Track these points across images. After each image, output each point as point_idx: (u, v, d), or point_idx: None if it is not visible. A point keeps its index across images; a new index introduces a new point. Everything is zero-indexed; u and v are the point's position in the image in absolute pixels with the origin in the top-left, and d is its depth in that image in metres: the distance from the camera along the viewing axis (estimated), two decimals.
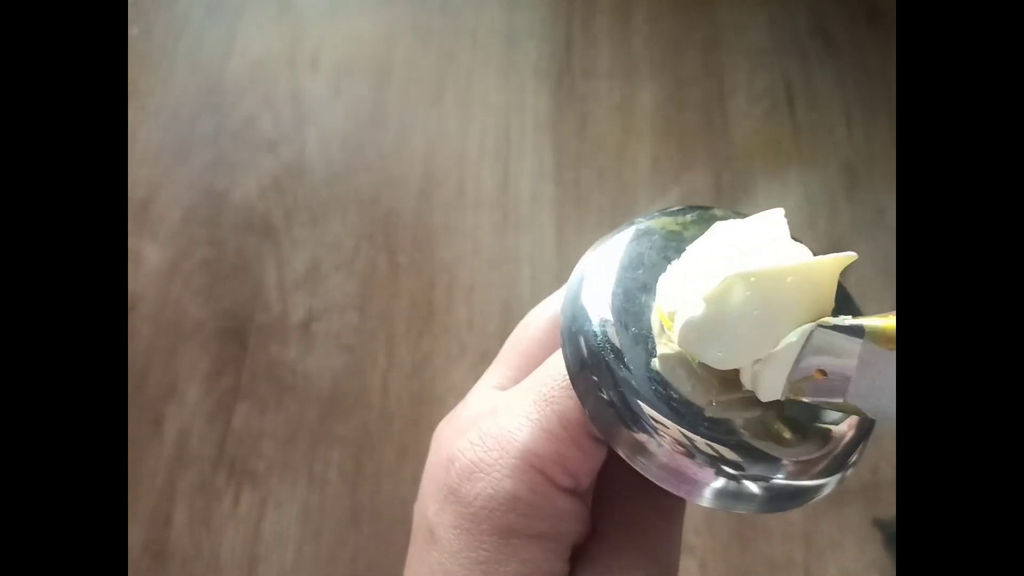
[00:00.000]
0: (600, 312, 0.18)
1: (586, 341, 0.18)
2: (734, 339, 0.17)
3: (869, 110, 0.85)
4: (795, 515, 0.65)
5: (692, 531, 0.65)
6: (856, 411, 0.17)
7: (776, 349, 0.17)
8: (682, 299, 0.18)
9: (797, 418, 0.17)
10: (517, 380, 0.22)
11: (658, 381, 0.17)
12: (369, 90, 0.85)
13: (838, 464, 0.17)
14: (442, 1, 0.91)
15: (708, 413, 0.17)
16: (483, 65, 0.87)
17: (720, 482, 0.16)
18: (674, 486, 0.17)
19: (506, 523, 0.18)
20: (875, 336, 0.16)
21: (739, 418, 0.17)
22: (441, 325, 0.73)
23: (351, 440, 0.68)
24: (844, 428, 0.17)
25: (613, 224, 0.22)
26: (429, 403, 0.68)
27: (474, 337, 0.72)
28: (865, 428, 0.18)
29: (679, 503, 0.21)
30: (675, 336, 0.17)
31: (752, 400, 0.17)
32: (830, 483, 0.17)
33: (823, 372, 0.16)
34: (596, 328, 0.18)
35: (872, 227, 0.78)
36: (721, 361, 0.17)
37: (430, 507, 0.20)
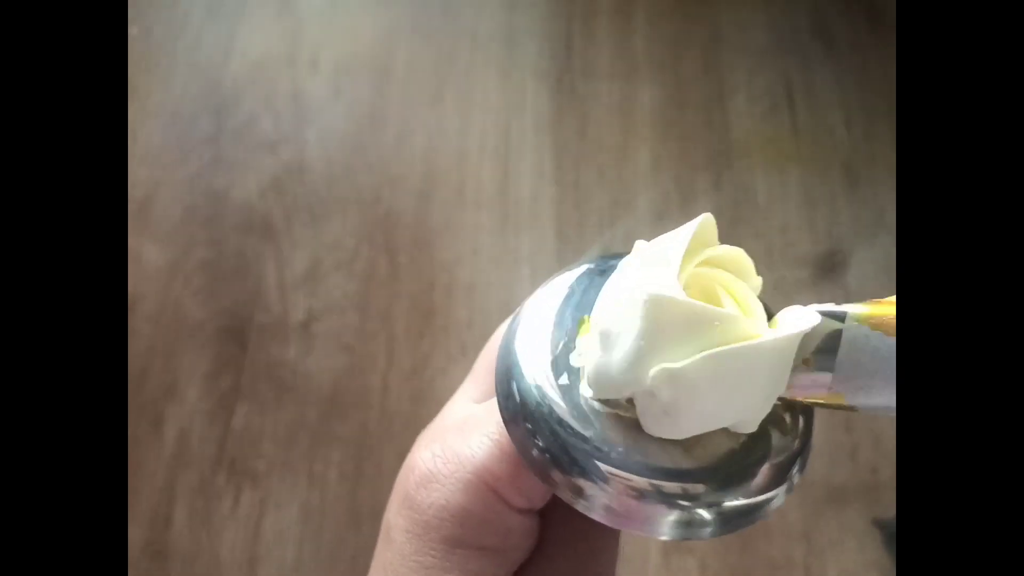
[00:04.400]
0: (533, 361, 0.18)
1: (519, 390, 0.18)
2: (700, 416, 0.16)
3: (869, 110, 0.85)
4: (795, 515, 0.65)
5: None
6: (841, 403, 0.17)
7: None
8: (605, 390, 0.17)
9: (737, 441, 0.17)
10: (489, 395, 0.22)
11: (593, 427, 0.17)
12: (369, 90, 0.85)
13: (782, 476, 0.17)
14: (442, 1, 0.91)
15: (649, 457, 0.17)
16: (483, 65, 0.87)
17: (673, 515, 0.17)
18: (626, 526, 0.17)
19: (455, 534, 0.19)
20: (856, 318, 0.16)
21: (680, 453, 0.17)
22: (441, 325, 0.73)
23: (351, 440, 0.68)
24: (786, 442, 0.18)
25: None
26: (429, 403, 0.68)
27: (474, 337, 0.72)
28: (805, 439, 0.18)
29: None
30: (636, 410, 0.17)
31: (692, 440, 0.17)
32: (778, 495, 0.17)
33: (808, 361, 0.17)
34: (528, 378, 0.18)
35: (872, 227, 0.78)
36: (687, 433, 0.17)
37: (391, 509, 0.21)
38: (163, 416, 0.69)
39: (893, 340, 0.16)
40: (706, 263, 0.18)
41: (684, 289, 0.16)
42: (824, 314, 0.17)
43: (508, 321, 0.20)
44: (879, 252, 0.77)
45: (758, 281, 0.19)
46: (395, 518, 0.20)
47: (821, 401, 0.17)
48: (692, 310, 0.16)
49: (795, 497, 0.66)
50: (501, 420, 0.19)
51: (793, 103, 0.85)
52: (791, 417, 0.18)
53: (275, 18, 0.90)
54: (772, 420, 0.18)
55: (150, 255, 0.76)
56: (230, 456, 0.67)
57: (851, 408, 0.17)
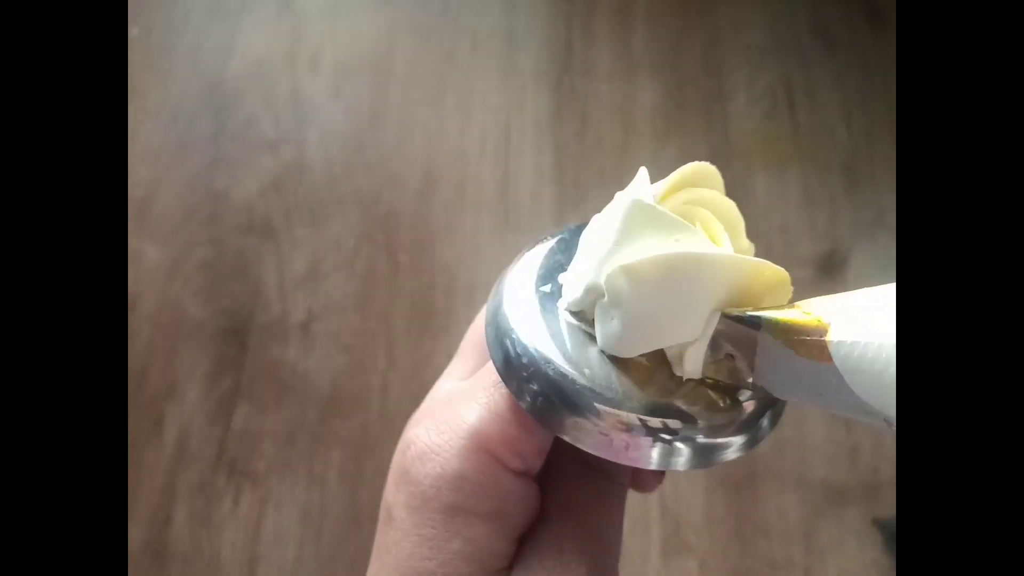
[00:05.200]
0: (522, 315, 0.20)
1: (512, 343, 0.19)
2: (648, 328, 0.18)
3: (869, 110, 0.85)
4: (795, 515, 0.65)
5: (692, 531, 0.65)
6: (762, 392, 0.18)
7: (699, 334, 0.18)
8: (577, 292, 0.20)
9: (708, 395, 0.19)
10: (475, 370, 0.23)
11: (583, 370, 0.19)
12: (369, 90, 0.85)
13: (744, 427, 0.19)
14: (442, 1, 0.91)
15: (636, 394, 0.19)
16: (483, 65, 0.87)
17: (657, 447, 0.18)
18: (617, 456, 0.19)
19: (453, 501, 0.19)
20: (770, 327, 0.17)
21: (661, 395, 0.19)
22: (441, 325, 0.73)
23: (351, 440, 0.68)
24: (749, 404, 0.19)
25: None
26: None
27: None
28: (766, 402, 0.20)
29: (619, 486, 0.22)
30: (595, 331, 0.19)
31: (668, 383, 0.19)
32: (736, 441, 0.19)
33: (732, 356, 0.18)
34: (519, 330, 0.19)
35: (872, 227, 0.78)
36: (632, 349, 0.19)
37: (389, 489, 0.21)
38: (163, 416, 0.69)
39: (817, 364, 0.16)
40: (696, 203, 0.20)
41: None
42: (741, 319, 0.18)
43: (492, 292, 0.22)
44: (879, 252, 0.77)
45: (747, 243, 0.21)
46: (394, 496, 0.20)
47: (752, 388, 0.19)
48: (659, 217, 0.18)
49: (795, 497, 0.66)
50: (488, 384, 0.20)
51: (793, 103, 0.85)
52: None
53: (275, 18, 0.90)
54: (742, 374, 0.20)
55: (150, 255, 0.76)
56: (230, 456, 0.67)
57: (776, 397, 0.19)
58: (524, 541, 0.20)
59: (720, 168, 0.21)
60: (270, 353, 0.72)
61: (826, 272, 0.76)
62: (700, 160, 0.21)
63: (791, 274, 0.18)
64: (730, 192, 0.21)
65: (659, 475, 0.25)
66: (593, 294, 0.19)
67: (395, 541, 0.20)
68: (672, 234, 0.18)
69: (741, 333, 0.18)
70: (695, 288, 0.18)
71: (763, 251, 0.81)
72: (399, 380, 0.70)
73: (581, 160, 0.81)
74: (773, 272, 0.18)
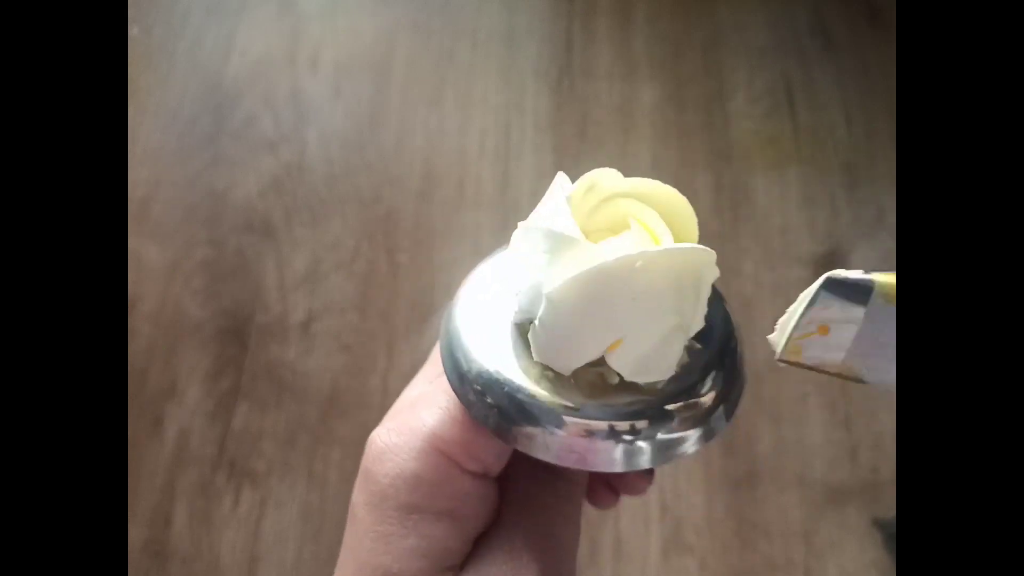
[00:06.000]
0: (474, 329, 0.20)
1: (465, 358, 0.20)
2: (571, 341, 0.19)
3: (869, 110, 0.85)
4: (795, 515, 0.65)
5: (692, 531, 0.65)
6: (849, 374, 0.17)
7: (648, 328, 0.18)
8: (517, 310, 0.20)
9: (657, 390, 0.20)
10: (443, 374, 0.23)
11: (534, 379, 0.19)
12: (369, 90, 0.85)
13: (701, 420, 0.19)
14: (442, 1, 0.91)
15: (589, 400, 0.19)
16: (483, 65, 0.87)
17: (620, 449, 0.19)
18: (579, 463, 0.19)
19: (410, 501, 0.20)
20: (884, 291, 0.15)
21: (613, 398, 0.19)
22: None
23: (351, 440, 0.68)
24: (705, 397, 0.20)
25: None
26: None
27: None
28: (721, 395, 0.20)
29: (575, 485, 0.23)
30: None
31: (609, 386, 0.19)
32: (694, 433, 0.19)
33: (826, 328, 0.16)
34: (471, 345, 0.20)
35: (872, 227, 0.78)
36: (568, 365, 0.19)
37: (355, 489, 0.22)
38: (163, 416, 0.69)
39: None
40: (634, 197, 0.20)
41: (588, 221, 0.19)
42: (851, 282, 0.16)
43: (446, 307, 0.22)
44: (879, 252, 0.77)
45: (693, 228, 0.20)
46: (357, 496, 0.21)
47: (832, 371, 0.17)
48: (555, 237, 0.18)
49: (795, 497, 0.66)
50: (448, 389, 0.20)
51: (793, 103, 0.85)
52: (715, 366, 0.20)
53: (275, 18, 0.90)
54: (693, 369, 0.20)
55: (150, 255, 0.76)
56: (230, 456, 0.67)
57: (860, 380, 0.17)
58: (479, 540, 0.21)
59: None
60: (270, 353, 0.72)
61: (826, 272, 0.76)
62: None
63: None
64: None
65: (647, 476, 0.25)
66: (527, 316, 0.19)
67: (355, 537, 0.20)
68: (584, 250, 0.18)
69: (843, 302, 0.16)
70: (611, 299, 0.18)
71: (763, 251, 0.81)
72: (399, 380, 0.70)
73: (581, 160, 0.81)
74: (695, 254, 0.18)
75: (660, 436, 0.19)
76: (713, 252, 0.18)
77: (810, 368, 0.17)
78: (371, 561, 0.20)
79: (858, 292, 0.16)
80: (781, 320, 0.18)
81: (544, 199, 0.20)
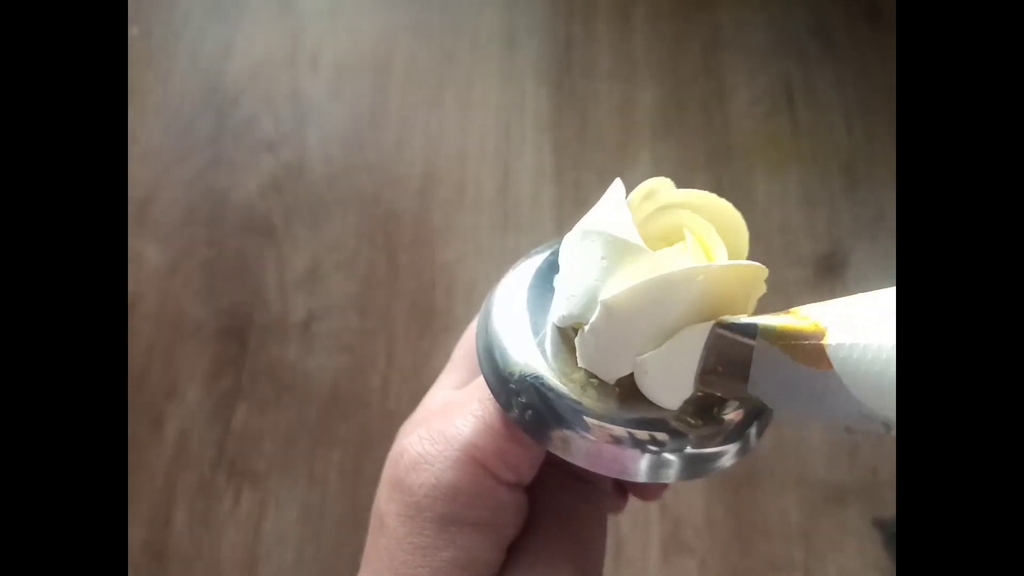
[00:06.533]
0: (512, 331, 0.20)
1: (502, 358, 0.20)
2: (621, 349, 0.18)
3: (869, 110, 0.85)
4: (795, 515, 0.65)
5: (692, 531, 0.65)
6: (758, 403, 0.18)
7: (666, 353, 0.18)
8: (562, 314, 0.20)
9: (693, 407, 0.20)
10: (468, 381, 0.23)
11: (572, 384, 0.19)
12: (369, 90, 0.85)
13: (733, 436, 0.19)
14: (442, 1, 0.91)
15: (622, 408, 0.19)
16: (483, 65, 0.87)
17: (646, 459, 0.19)
18: (606, 470, 0.19)
19: (446, 511, 0.19)
20: (767, 334, 0.17)
21: (648, 409, 0.19)
22: (441, 325, 0.73)
23: (351, 440, 0.68)
24: (733, 414, 0.20)
25: None
26: None
27: None
28: (754, 412, 0.20)
29: (602, 492, 0.23)
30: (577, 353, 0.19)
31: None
32: (729, 450, 0.19)
33: (724, 367, 0.18)
34: (509, 346, 0.20)
35: (872, 227, 0.78)
36: (612, 374, 0.19)
37: (382, 497, 0.21)
38: (163, 416, 0.69)
39: (815, 369, 0.16)
40: (690, 208, 0.20)
41: (643, 229, 0.19)
42: (736, 327, 0.17)
43: (481, 309, 0.22)
44: (879, 252, 0.77)
45: (744, 243, 0.20)
46: (386, 505, 0.20)
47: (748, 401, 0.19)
48: (632, 247, 0.18)
49: (795, 497, 0.66)
50: (483, 397, 0.20)
51: (793, 103, 0.85)
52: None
53: (275, 18, 0.90)
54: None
55: (150, 255, 0.76)
56: (230, 456, 0.67)
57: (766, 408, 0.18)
58: (512, 549, 0.21)
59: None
60: (270, 353, 0.72)
61: (826, 272, 0.76)
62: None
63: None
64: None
65: (661, 484, 0.25)
66: (574, 320, 0.19)
67: (387, 549, 0.20)
68: (647, 259, 0.18)
69: (733, 344, 0.17)
70: (668, 310, 0.18)
71: (763, 251, 0.81)
72: (399, 380, 0.70)
73: (581, 160, 0.81)
74: (751, 271, 0.18)
75: (690, 450, 0.19)
76: (766, 269, 0.18)
77: (724, 398, 0.19)
78: (407, 573, 0.19)
79: (746, 334, 0.17)
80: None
81: (599, 204, 0.20)
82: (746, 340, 0.17)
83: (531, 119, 0.84)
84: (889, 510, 0.66)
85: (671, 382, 0.19)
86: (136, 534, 0.64)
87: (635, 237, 0.18)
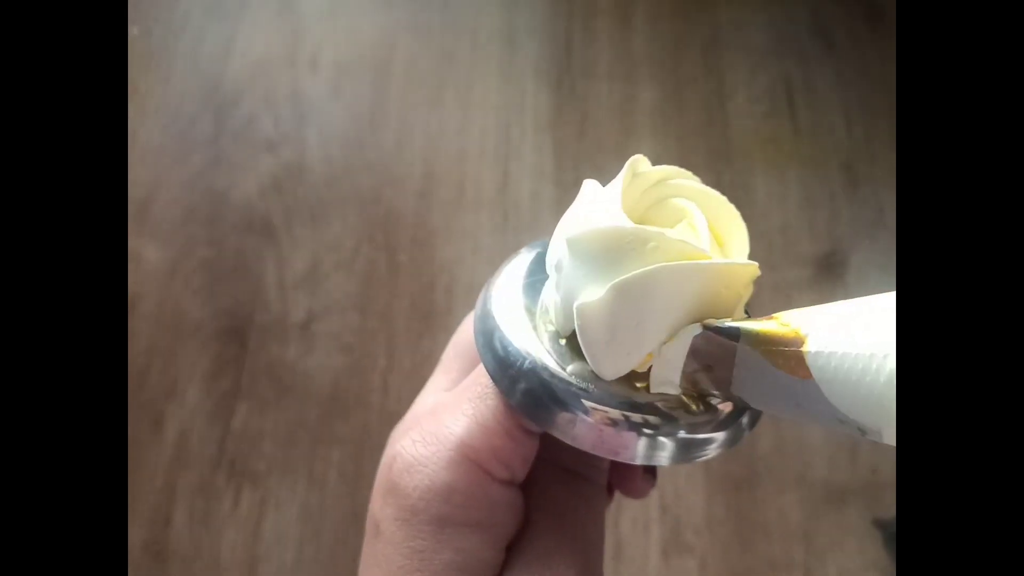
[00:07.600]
0: (510, 317, 0.21)
1: (501, 344, 0.20)
2: (626, 337, 0.19)
3: (869, 110, 0.85)
4: (795, 515, 0.65)
5: (692, 531, 0.65)
6: (741, 402, 0.19)
7: (664, 349, 0.19)
8: (553, 318, 0.20)
9: (684, 399, 0.20)
10: (458, 382, 0.23)
11: (569, 367, 0.20)
12: (369, 90, 0.85)
13: (724, 425, 0.20)
14: (442, 1, 0.91)
15: (618, 392, 0.20)
16: (483, 65, 0.87)
17: (643, 441, 0.19)
18: (604, 450, 0.19)
19: (442, 513, 0.19)
20: (749, 338, 0.17)
21: (642, 394, 0.20)
22: (441, 325, 0.73)
23: (351, 440, 0.68)
24: (725, 404, 0.20)
25: None
26: None
27: None
28: (743, 405, 0.20)
29: (598, 488, 0.23)
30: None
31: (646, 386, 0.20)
32: (720, 438, 0.20)
33: (709, 367, 0.18)
34: (508, 331, 0.20)
35: (872, 227, 0.78)
36: (609, 373, 0.19)
37: (376, 503, 0.21)
38: (163, 416, 0.69)
39: (793, 375, 0.16)
40: (677, 193, 0.21)
41: (636, 214, 0.19)
42: (720, 331, 0.18)
43: (478, 301, 0.22)
44: (879, 252, 0.77)
45: (743, 234, 0.21)
46: (381, 510, 0.20)
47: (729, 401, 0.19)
48: (617, 238, 0.18)
49: (795, 497, 0.66)
50: (473, 396, 0.21)
51: (793, 103, 0.85)
52: None
53: (275, 18, 0.90)
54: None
55: (150, 255, 0.76)
56: (230, 456, 0.67)
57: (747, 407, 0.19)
58: (511, 548, 0.21)
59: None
60: (270, 353, 0.72)
61: (826, 272, 0.76)
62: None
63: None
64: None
65: (651, 480, 0.25)
66: (566, 322, 0.20)
67: (384, 554, 0.20)
68: (633, 254, 0.18)
69: (718, 345, 0.18)
70: (658, 307, 0.18)
71: (763, 251, 0.81)
72: (399, 380, 0.70)
73: (581, 160, 0.81)
74: (743, 270, 0.19)
75: (683, 435, 0.19)
76: (758, 270, 0.19)
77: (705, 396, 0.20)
78: None
79: (730, 337, 0.18)
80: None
81: (605, 191, 0.21)
82: (730, 343, 0.17)
83: (531, 119, 0.84)
84: (889, 510, 0.66)
85: (662, 376, 0.19)
86: (136, 534, 0.64)
87: (627, 221, 0.19)
